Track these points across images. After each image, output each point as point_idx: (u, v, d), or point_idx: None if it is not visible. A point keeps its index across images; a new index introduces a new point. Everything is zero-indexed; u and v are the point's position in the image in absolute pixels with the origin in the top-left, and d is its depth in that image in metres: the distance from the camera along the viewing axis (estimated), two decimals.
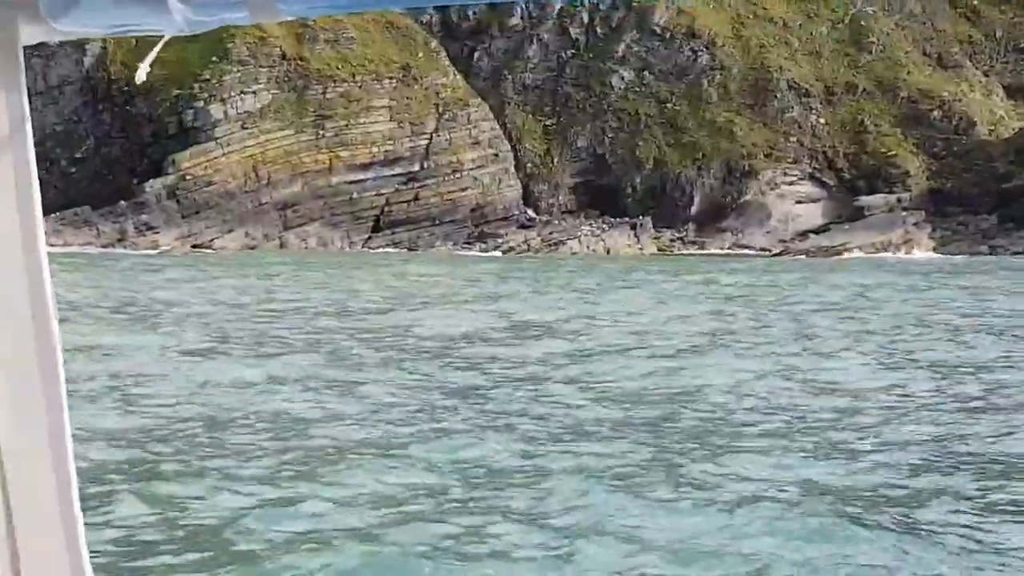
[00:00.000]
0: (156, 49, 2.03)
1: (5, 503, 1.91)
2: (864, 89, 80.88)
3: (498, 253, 69.02)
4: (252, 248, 68.40)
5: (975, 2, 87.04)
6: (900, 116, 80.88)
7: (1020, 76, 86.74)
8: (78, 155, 73.12)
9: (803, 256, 70.54)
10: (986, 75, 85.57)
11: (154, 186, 69.34)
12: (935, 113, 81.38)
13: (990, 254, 72.21)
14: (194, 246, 67.85)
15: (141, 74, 2.13)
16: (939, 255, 71.43)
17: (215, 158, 70.47)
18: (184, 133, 71.28)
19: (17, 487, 1.91)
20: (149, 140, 72.26)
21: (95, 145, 73.33)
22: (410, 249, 70.31)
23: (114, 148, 73.13)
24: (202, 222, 69.32)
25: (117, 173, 72.20)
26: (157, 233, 68.11)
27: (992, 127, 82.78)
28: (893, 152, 79.45)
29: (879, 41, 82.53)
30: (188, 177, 69.79)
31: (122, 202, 69.17)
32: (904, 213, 76.39)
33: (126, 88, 72.46)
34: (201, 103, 71.18)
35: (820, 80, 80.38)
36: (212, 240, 68.87)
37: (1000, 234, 76.48)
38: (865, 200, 77.14)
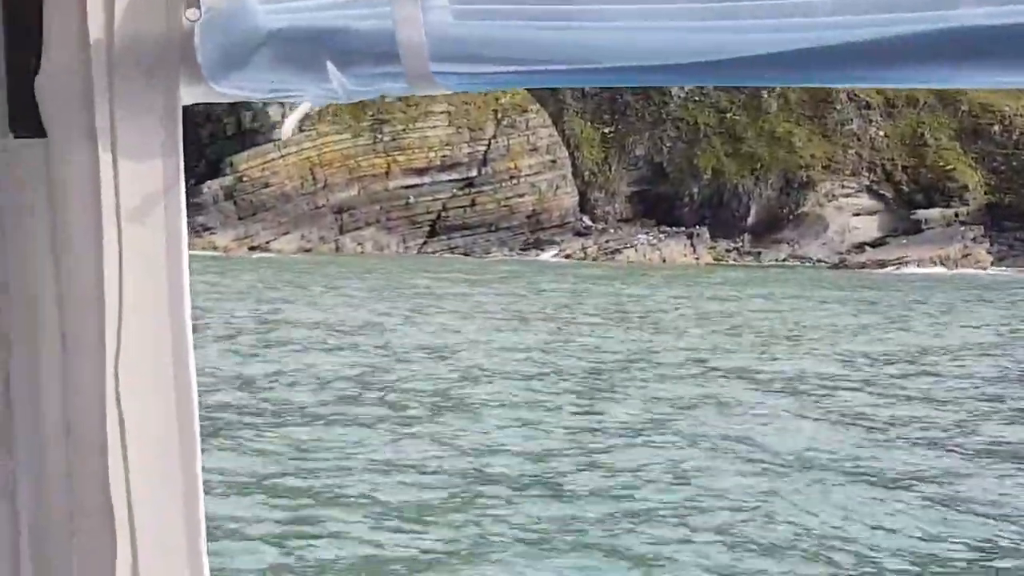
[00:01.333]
0: (302, 108, 1.98)
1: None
2: (925, 102, 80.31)
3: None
4: (307, 251, 68.55)
5: None
6: (960, 130, 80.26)
7: None
8: None
9: (861, 269, 69.97)
10: None
11: (212, 187, 69.60)
12: (995, 128, 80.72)
13: None
14: (251, 248, 68.07)
15: (287, 130, 2.03)
16: (995, 270, 70.84)
17: (272, 160, 70.63)
18: (242, 135, 71.50)
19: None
20: (207, 141, 72.45)
21: None
22: (466, 254, 70.24)
23: None
24: (258, 224, 69.52)
25: None
26: (214, 234, 68.37)
27: None
28: (952, 166, 78.86)
29: None
30: (245, 179, 70.03)
31: None
32: (962, 228, 75.75)
33: None
34: (260, 104, 71.31)
35: (880, 92, 79.77)
36: (268, 242, 69.06)
37: None
38: (923, 213, 76.57)
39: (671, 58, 1.66)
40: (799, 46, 1.58)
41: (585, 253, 70.65)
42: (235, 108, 71.73)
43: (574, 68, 1.70)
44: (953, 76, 1.54)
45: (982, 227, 75.92)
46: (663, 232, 73.52)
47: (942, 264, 71.47)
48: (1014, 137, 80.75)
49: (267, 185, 70.07)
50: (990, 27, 1.47)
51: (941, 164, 78.84)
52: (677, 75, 1.68)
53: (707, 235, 73.39)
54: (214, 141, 72.06)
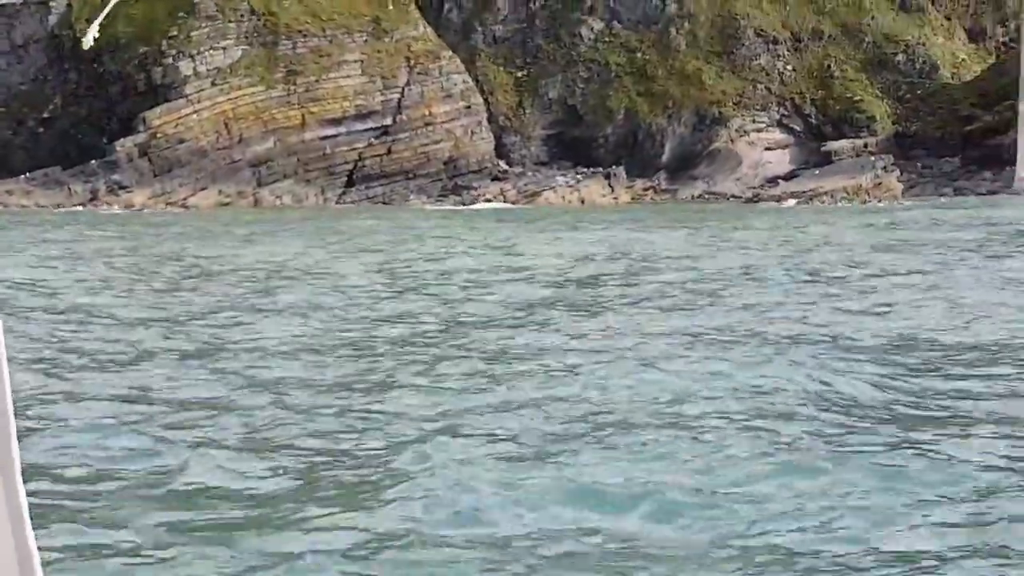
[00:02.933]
0: (105, 11, 1.95)
1: None
2: (830, 35, 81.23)
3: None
4: (226, 205, 68.20)
5: None
6: (865, 61, 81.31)
7: (980, 19, 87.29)
8: (45, 115, 72.49)
9: (775, 203, 70.79)
10: (947, 19, 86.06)
11: (125, 145, 68.92)
12: (899, 57, 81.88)
13: (955, 195, 72.95)
14: (168, 204, 67.62)
15: (89, 38, 2.10)
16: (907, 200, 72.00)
17: (186, 115, 70.07)
18: (153, 91, 70.82)
19: None
20: (118, 98, 71.73)
21: (62, 104, 72.69)
22: (384, 203, 70.27)
23: (82, 107, 72.52)
24: (175, 180, 69.01)
25: (86, 132, 71.67)
26: (130, 192, 67.81)
27: (954, 70, 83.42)
28: (859, 97, 79.94)
29: None
30: (159, 135, 69.42)
31: (93, 162, 68.75)
32: (872, 158, 76.94)
33: (93, 46, 71.84)
34: (170, 60, 70.71)
35: (786, 27, 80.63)
36: (185, 199, 68.61)
37: (963, 176, 77.26)
38: (832, 145, 77.63)
39: None
40: None
41: (505, 197, 70.92)
42: (144, 65, 71.06)
43: None
44: None
45: (891, 156, 77.13)
46: (580, 173, 74.01)
47: (855, 195, 72.48)
48: (918, 66, 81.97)
49: (181, 141, 69.51)
50: None
51: (848, 96, 79.89)
52: None
53: (623, 174, 73.94)
54: (125, 98, 71.33)
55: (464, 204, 69.45)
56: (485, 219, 55.52)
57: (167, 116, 69.68)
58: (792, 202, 69.74)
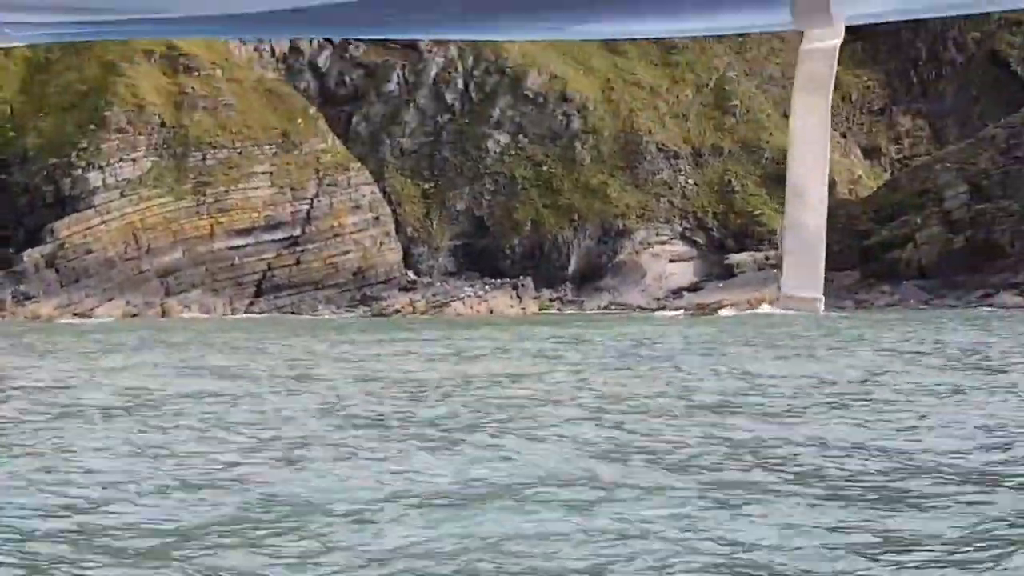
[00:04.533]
0: None
1: None
2: (730, 151, 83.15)
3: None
4: (134, 316, 68.00)
5: None
6: (765, 176, 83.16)
7: (875, 137, 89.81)
8: None
9: (680, 313, 71.84)
10: (843, 136, 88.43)
11: (32, 255, 68.69)
12: None
13: (856, 308, 74.36)
14: (75, 314, 67.30)
15: None
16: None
17: (94, 226, 70.06)
18: (61, 202, 70.81)
19: None
20: (25, 209, 71.60)
21: None
22: (294, 313, 70.45)
23: None
24: (82, 291, 68.76)
25: None
26: (36, 302, 67.40)
27: (851, 186, 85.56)
28: (759, 211, 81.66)
29: (742, 104, 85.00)
30: (67, 245, 69.29)
31: None
32: (775, 270, 78.36)
33: (1, 157, 71.89)
34: (79, 171, 70.85)
35: (688, 142, 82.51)
36: (92, 309, 68.34)
37: (862, 289, 78.84)
38: (734, 258, 79.09)
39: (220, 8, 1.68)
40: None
41: (414, 307, 71.35)
42: (53, 176, 71.13)
43: (141, 18, 1.71)
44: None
45: None
46: (488, 284, 74.73)
47: (758, 306, 73.69)
48: None
49: (89, 251, 69.42)
50: None
51: (749, 210, 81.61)
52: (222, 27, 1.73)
53: (531, 285, 74.77)
54: (32, 210, 71.24)
55: (372, 314, 69.82)
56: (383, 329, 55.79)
57: (75, 226, 69.65)
58: (677, 313, 70.31)
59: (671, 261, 78.69)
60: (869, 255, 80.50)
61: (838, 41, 1.54)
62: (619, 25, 1.64)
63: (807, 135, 1.59)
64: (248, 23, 1.67)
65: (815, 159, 1.61)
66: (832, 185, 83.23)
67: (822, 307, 1.67)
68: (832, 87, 1.58)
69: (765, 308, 72.16)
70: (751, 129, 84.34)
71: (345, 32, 1.75)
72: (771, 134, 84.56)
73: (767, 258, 79.51)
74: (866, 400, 24.20)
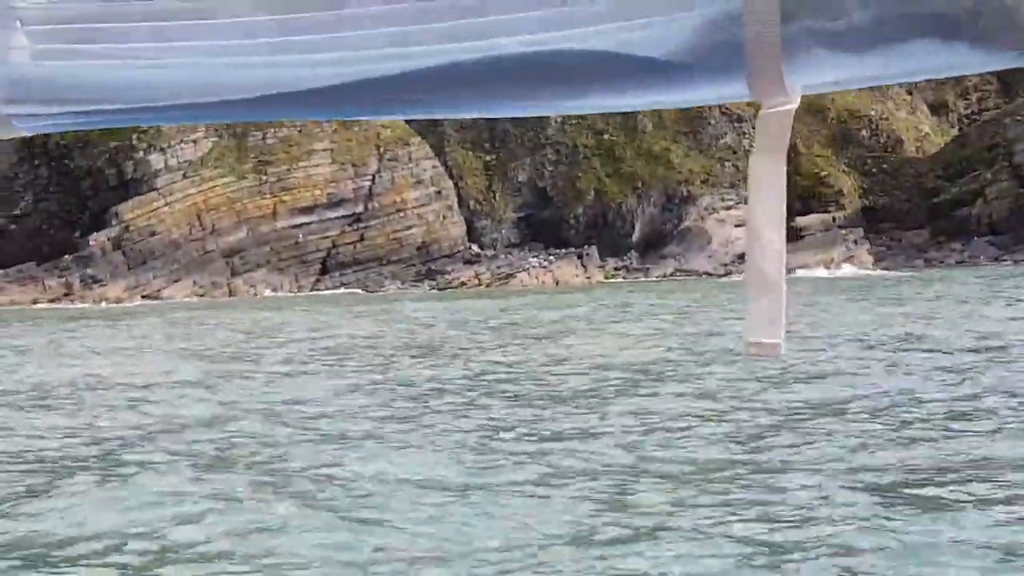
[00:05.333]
0: None
1: None
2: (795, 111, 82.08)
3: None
4: (201, 296, 68.27)
5: None
6: (831, 136, 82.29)
7: (942, 93, 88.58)
8: (16, 212, 72.63)
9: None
10: (909, 93, 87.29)
11: (98, 239, 69.04)
12: (864, 132, 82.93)
13: (925, 267, 73.57)
14: (143, 296, 67.66)
15: None
16: (876, 271, 72.50)
17: (158, 208, 70.31)
18: (124, 185, 71.10)
19: None
20: (88, 193, 71.96)
21: (33, 201, 72.86)
22: (360, 290, 70.42)
23: (52, 203, 72.72)
24: (149, 272, 69.10)
25: (57, 228, 71.80)
26: (104, 285, 67.79)
27: (918, 144, 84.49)
28: (826, 172, 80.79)
29: None
30: (132, 228, 69.58)
31: (67, 256, 68.84)
32: (842, 231, 77.62)
33: (62, 142, 72.20)
34: (140, 154, 71.06)
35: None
36: (160, 290, 68.68)
37: (932, 248, 77.94)
38: (801, 220, 78.20)
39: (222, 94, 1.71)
40: (334, 82, 1.69)
41: (479, 280, 71.18)
42: (115, 160, 71.37)
43: (145, 107, 1.74)
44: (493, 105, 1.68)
45: (861, 230, 77.82)
46: (552, 255, 74.37)
47: (827, 268, 73.15)
48: (882, 140, 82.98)
49: (154, 233, 69.68)
50: (522, 55, 1.62)
51: (815, 171, 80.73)
52: (220, 111, 1.76)
53: (596, 254, 74.34)
54: (96, 193, 71.57)
55: (439, 288, 69.73)
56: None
57: (139, 209, 69.92)
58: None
59: (736, 226, 77.88)
60: (938, 213, 79.57)
61: (793, 106, 1.61)
62: (576, 101, 1.67)
63: (765, 192, 1.58)
64: (255, 106, 1.70)
65: (773, 212, 1.59)
66: (899, 143, 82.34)
67: (783, 351, 1.64)
68: (787, 145, 1.66)
69: (846, 269, 71.59)
70: None
71: (353, 113, 1.76)
72: (836, 93, 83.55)
73: (834, 219, 78.69)
74: None
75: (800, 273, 71.55)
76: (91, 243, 68.86)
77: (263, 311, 52.03)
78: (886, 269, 72.54)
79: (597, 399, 21.26)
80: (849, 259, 74.97)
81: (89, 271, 68.03)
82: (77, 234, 70.50)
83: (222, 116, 1.78)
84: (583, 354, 29.30)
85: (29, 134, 1.77)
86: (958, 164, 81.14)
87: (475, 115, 1.78)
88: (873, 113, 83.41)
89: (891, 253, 77.29)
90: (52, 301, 66.18)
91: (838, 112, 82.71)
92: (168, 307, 60.38)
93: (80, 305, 64.74)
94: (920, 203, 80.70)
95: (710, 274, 73.80)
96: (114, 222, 69.61)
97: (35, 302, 65.76)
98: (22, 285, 67.77)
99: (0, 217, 72.58)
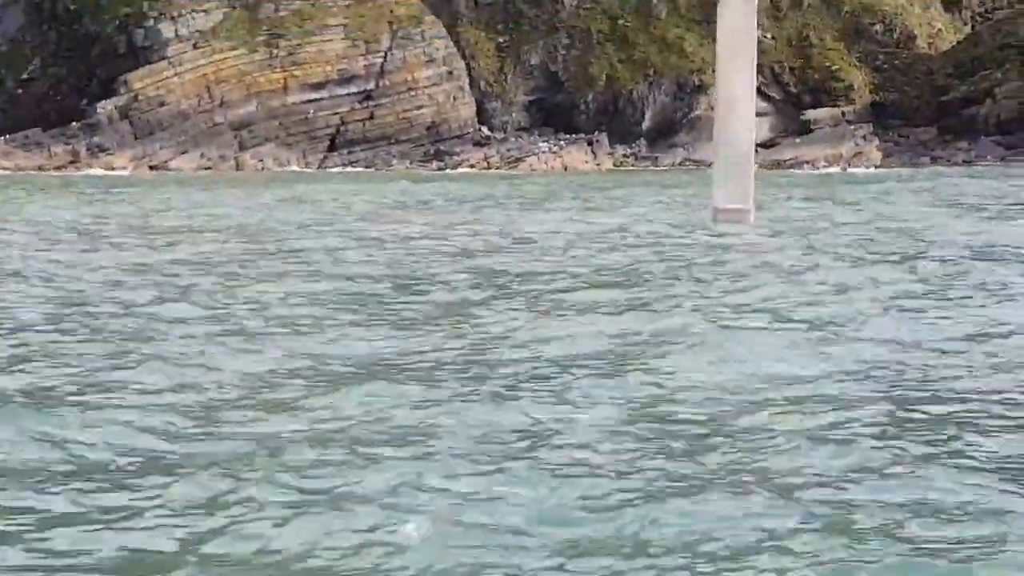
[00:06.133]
0: None
1: None
2: (809, 4, 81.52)
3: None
4: (208, 169, 68.07)
5: None
6: (843, 30, 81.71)
7: None
8: (24, 76, 72.09)
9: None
10: None
11: (106, 107, 68.63)
12: (877, 27, 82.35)
13: (931, 164, 73.65)
14: (150, 167, 67.47)
15: None
16: (883, 168, 72.51)
17: (167, 78, 69.83)
18: (134, 53, 70.53)
19: None
20: (98, 60, 71.40)
21: (41, 65, 72.28)
22: (367, 167, 70.32)
23: (61, 68, 72.17)
24: (156, 143, 68.83)
25: (66, 94, 71.36)
26: (111, 155, 67.57)
27: (931, 40, 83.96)
28: (837, 66, 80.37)
29: None
30: (140, 97, 69.16)
31: (74, 123, 68.48)
32: (851, 126, 77.46)
33: (72, 7, 71.50)
34: (151, 22, 70.40)
35: None
36: (167, 161, 68.47)
37: (939, 146, 77.88)
38: (811, 114, 78.09)
39: None
40: None
41: (488, 163, 71.06)
42: (125, 27, 70.71)
43: None
44: None
45: (870, 125, 77.69)
46: (562, 140, 74.19)
47: (834, 163, 73.25)
48: (895, 36, 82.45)
49: (163, 104, 69.28)
50: None
51: (827, 64, 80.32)
52: None
53: (605, 141, 74.17)
54: (105, 60, 71.00)
55: (447, 169, 69.66)
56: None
57: (148, 79, 69.42)
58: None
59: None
60: (947, 110, 79.37)
61: None
62: None
63: (735, 45, 1.51)
64: None
65: (743, 74, 1.52)
66: (912, 39, 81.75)
67: (752, 218, 1.60)
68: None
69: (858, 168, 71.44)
70: None
71: None
72: None
73: (843, 114, 78.50)
74: None
75: (807, 170, 71.62)
76: (99, 111, 68.46)
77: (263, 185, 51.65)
78: (891, 166, 72.52)
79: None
80: (857, 155, 74.91)
81: (96, 139, 67.73)
82: (84, 101, 70.05)
83: None
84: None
85: None
86: (969, 63, 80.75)
87: None
88: (887, 8, 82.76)
89: (899, 150, 77.19)
90: (57, 168, 65.94)
91: (852, 5, 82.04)
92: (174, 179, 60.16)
93: (85, 172, 64.58)
94: (929, 100, 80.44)
95: None
96: (123, 91, 69.15)
97: (40, 168, 65.54)
98: (27, 151, 67.51)
99: (8, 80, 72.05)
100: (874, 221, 31.74)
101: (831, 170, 71.02)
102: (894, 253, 23.59)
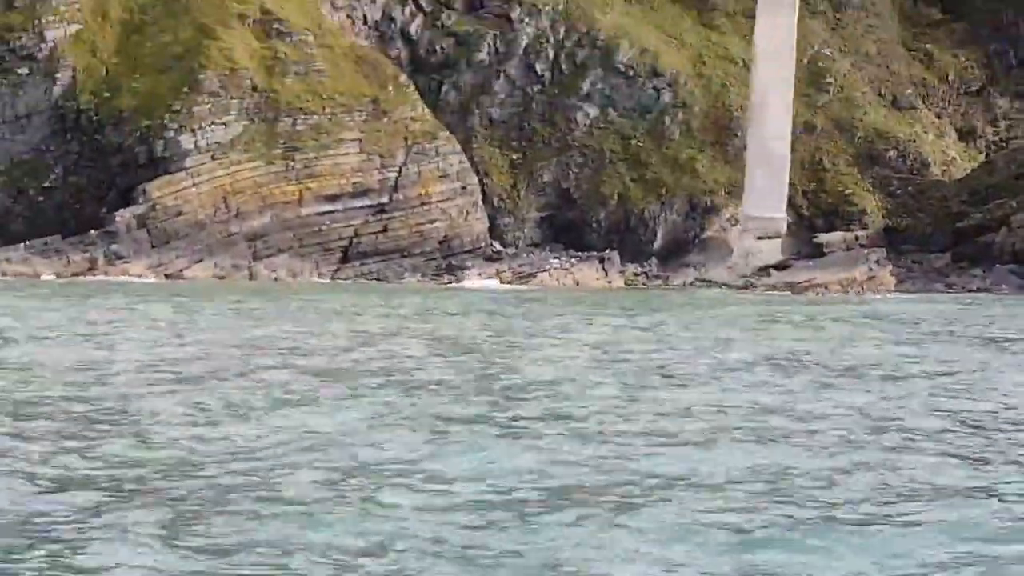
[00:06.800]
0: None
1: None
2: (822, 128, 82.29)
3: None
4: (222, 278, 68.77)
5: (928, 46, 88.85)
6: (857, 155, 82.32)
7: (970, 119, 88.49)
8: (46, 184, 73.17)
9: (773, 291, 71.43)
10: (938, 117, 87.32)
11: (124, 216, 69.53)
12: (891, 153, 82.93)
13: (947, 290, 73.76)
14: (166, 275, 68.16)
15: None
16: (898, 293, 72.58)
17: (185, 188, 70.80)
18: (153, 163, 71.56)
19: None
20: (118, 170, 72.46)
21: (63, 174, 73.38)
22: (378, 280, 70.86)
23: (82, 178, 73.26)
24: (172, 252, 69.60)
25: (85, 202, 72.35)
26: (127, 262, 68.34)
27: (945, 167, 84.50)
28: (850, 191, 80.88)
29: (836, 82, 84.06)
30: (158, 207, 70.05)
31: (92, 231, 69.38)
32: (865, 251, 77.72)
33: (95, 118, 72.80)
34: (172, 133, 71.52)
35: None
36: (182, 270, 69.19)
37: (953, 272, 77.96)
38: (824, 237, 78.40)
39: None
40: None
41: (500, 278, 71.59)
42: (146, 138, 71.90)
43: None
44: None
45: (883, 250, 77.92)
46: (575, 257, 74.69)
47: (848, 287, 73.31)
48: (908, 162, 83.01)
49: (180, 213, 70.18)
50: None
51: (840, 189, 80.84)
52: None
53: (617, 259, 74.63)
54: (125, 170, 72.04)
55: (458, 282, 70.23)
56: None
57: (167, 188, 70.42)
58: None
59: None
60: (961, 237, 79.59)
61: None
62: None
63: (771, 48, 1.56)
64: None
65: (781, 76, 1.59)
66: (925, 166, 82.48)
67: (784, 226, 1.62)
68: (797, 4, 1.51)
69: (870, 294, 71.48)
70: (845, 107, 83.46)
71: None
72: (865, 113, 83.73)
73: (857, 238, 78.87)
74: None
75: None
76: (117, 219, 69.38)
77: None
78: (905, 291, 72.61)
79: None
80: (871, 279, 75.07)
81: (114, 247, 68.58)
82: (104, 210, 71.03)
83: None
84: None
85: None
86: (984, 191, 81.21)
87: None
88: (901, 135, 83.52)
89: (912, 275, 77.33)
90: (75, 275, 66.75)
91: (866, 131, 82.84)
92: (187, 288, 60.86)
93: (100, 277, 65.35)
94: (944, 227, 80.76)
95: (729, 285, 73.97)
96: (141, 199, 70.12)
97: (58, 275, 66.34)
98: (46, 258, 68.36)
99: (30, 189, 73.18)
100: None
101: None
102: None
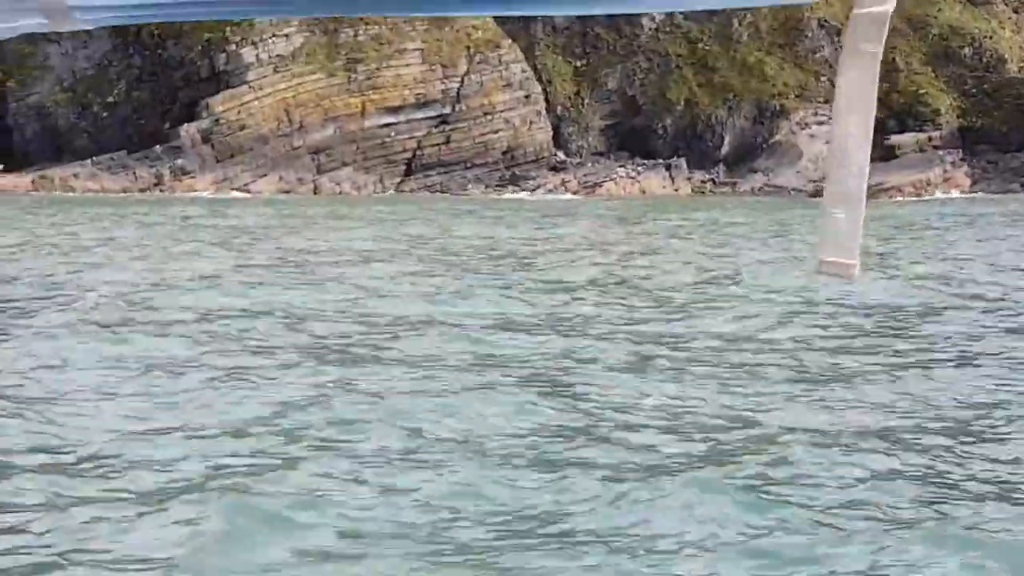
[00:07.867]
0: None
1: None
2: (895, 27, 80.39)
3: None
4: (287, 192, 68.78)
5: None
6: (931, 54, 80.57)
7: None
8: (109, 99, 73.27)
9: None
10: (1016, 11, 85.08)
11: (188, 130, 69.60)
12: (965, 50, 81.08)
13: (1022, 191, 72.48)
14: (232, 189, 68.33)
15: None
16: (972, 194, 71.33)
17: (248, 102, 70.64)
18: (215, 77, 71.44)
19: None
20: (180, 84, 72.39)
21: (126, 89, 73.45)
22: (442, 191, 70.55)
23: (144, 92, 73.28)
24: (237, 166, 69.63)
25: (148, 118, 72.42)
26: (193, 177, 68.51)
27: (1022, 64, 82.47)
28: (924, 90, 79.23)
29: None
30: (222, 121, 70.02)
31: (158, 147, 69.50)
32: (939, 152, 76.31)
33: (156, 32, 72.59)
34: (233, 47, 71.25)
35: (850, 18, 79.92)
36: (247, 184, 69.25)
37: None
38: (896, 139, 76.97)
39: None
40: None
41: (566, 187, 71.04)
42: (208, 51, 71.66)
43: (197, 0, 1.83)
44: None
45: (958, 151, 76.45)
46: (641, 165, 73.89)
47: (922, 190, 72.15)
48: (984, 60, 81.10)
49: (243, 127, 70.10)
50: None
51: (913, 89, 79.17)
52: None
53: (684, 166, 73.76)
54: (187, 84, 71.99)
55: (528, 193, 69.83)
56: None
57: (229, 102, 70.29)
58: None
59: (828, 142, 76.45)
60: None
61: (890, 7, 1.49)
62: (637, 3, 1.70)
63: (854, 101, 1.57)
64: (295, 4, 1.83)
65: (860, 124, 1.60)
66: (1002, 62, 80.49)
67: (857, 272, 1.54)
68: (881, 51, 1.52)
69: (937, 194, 70.36)
70: (918, 5, 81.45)
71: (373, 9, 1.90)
72: (939, 10, 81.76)
73: (930, 139, 77.37)
74: None
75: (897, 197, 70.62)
76: (182, 134, 69.43)
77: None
78: (980, 192, 71.37)
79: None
80: (946, 180, 73.77)
81: (179, 162, 68.72)
82: (167, 125, 71.08)
83: (258, 11, 1.86)
84: None
85: (91, 27, 1.82)
86: None
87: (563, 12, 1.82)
88: (976, 31, 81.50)
89: (987, 176, 75.87)
90: (142, 191, 67.01)
91: (940, 28, 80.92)
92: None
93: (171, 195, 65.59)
94: (1021, 125, 79.04)
95: (798, 190, 72.97)
96: (204, 114, 70.08)
97: (125, 191, 66.60)
98: (113, 173, 68.62)
99: (93, 104, 73.28)
100: None
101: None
102: None
